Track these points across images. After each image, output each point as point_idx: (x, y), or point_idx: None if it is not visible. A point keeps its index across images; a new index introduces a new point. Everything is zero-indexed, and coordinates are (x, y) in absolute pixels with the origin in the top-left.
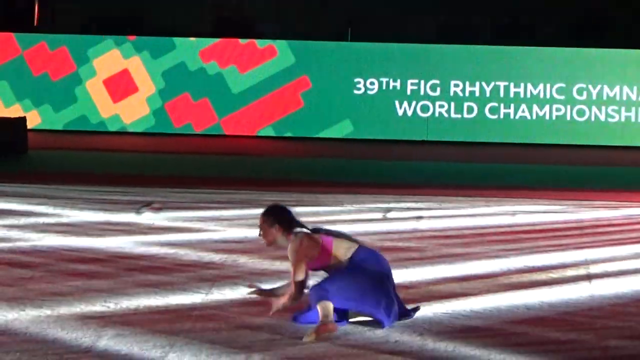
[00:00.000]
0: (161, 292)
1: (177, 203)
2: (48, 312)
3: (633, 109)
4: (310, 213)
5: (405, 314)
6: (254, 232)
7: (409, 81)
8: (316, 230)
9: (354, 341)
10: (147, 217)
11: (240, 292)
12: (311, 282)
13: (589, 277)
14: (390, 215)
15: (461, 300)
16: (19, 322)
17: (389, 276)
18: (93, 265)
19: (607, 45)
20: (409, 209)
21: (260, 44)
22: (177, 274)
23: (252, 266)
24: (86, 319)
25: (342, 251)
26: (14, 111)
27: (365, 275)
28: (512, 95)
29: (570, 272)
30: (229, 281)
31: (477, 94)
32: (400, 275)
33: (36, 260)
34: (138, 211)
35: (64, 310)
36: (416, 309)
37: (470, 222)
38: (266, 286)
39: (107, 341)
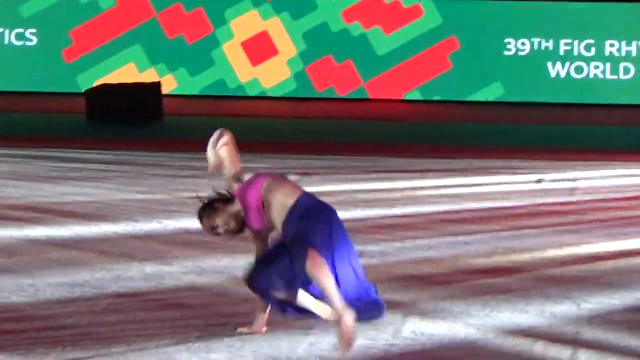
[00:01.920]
0: None
1: (320, 171)
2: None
3: None
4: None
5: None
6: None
7: (562, 41)
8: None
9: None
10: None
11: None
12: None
13: None
14: (543, 179)
15: None
16: None
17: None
18: None
19: None
20: (562, 173)
21: (405, 3)
22: None
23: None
24: None
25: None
26: (149, 76)
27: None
28: None
29: None
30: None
31: (634, 54)
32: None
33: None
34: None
35: None
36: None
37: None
38: None
39: None
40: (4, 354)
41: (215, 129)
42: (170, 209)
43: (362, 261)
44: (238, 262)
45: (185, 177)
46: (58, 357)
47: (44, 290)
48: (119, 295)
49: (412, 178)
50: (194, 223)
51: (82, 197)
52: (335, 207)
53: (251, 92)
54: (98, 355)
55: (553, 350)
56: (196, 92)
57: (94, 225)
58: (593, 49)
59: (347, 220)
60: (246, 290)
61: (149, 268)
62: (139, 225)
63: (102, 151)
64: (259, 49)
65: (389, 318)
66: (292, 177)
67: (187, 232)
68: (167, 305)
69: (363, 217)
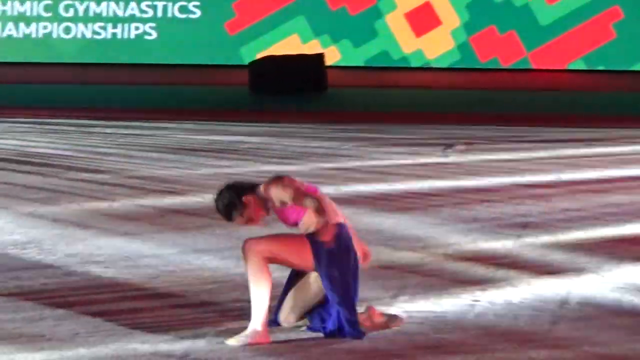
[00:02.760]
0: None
1: (483, 142)
2: None
3: None
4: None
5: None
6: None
7: None
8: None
9: None
10: (453, 158)
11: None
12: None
13: None
14: None
15: None
16: None
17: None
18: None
19: None
20: None
21: None
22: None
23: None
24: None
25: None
26: (312, 47)
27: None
28: None
29: None
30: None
31: None
32: None
33: None
34: (443, 151)
35: None
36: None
37: None
38: None
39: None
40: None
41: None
42: (334, 181)
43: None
44: None
45: (349, 148)
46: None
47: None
48: None
49: (576, 147)
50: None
51: (236, 168)
52: (501, 175)
53: (415, 63)
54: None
55: None
56: (360, 64)
57: None
58: None
59: (509, 186)
60: None
61: None
62: None
63: (265, 124)
64: (423, 19)
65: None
66: (458, 147)
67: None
68: None
69: (526, 183)
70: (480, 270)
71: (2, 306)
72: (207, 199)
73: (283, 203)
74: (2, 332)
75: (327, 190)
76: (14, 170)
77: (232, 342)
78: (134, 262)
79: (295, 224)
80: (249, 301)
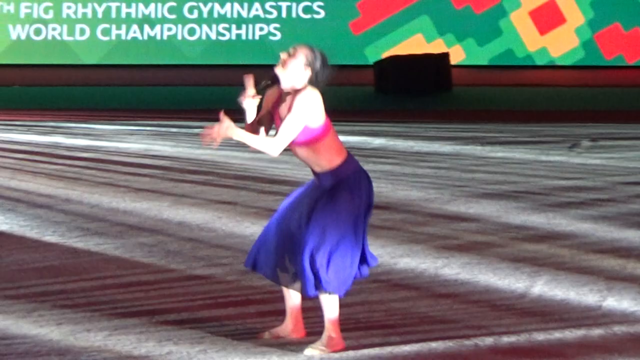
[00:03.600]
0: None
1: (610, 140)
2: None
3: None
4: None
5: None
6: None
7: None
8: None
9: None
10: (580, 155)
11: None
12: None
13: None
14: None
15: None
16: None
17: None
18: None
19: None
20: None
21: None
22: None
23: None
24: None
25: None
26: (437, 46)
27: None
28: None
29: None
30: None
31: None
32: None
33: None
34: (570, 148)
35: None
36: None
37: None
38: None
39: (541, 286)
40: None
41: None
42: (455, 184)
43: None
44: None
45: (473, 149)
46: None
47: None
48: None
49: None
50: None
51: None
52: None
53: (540, 62)
54: None
55: None
56: (484, 63)
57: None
58: None
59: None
60: None
61: None
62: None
63: (390, 124)
64: (547, 17)
65: None
66: (584, 144)
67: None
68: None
69: None
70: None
71: None
72: None
73: None
74: None
75: (457, 189)
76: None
77: (310, 352)
78: None
79: None
80: None
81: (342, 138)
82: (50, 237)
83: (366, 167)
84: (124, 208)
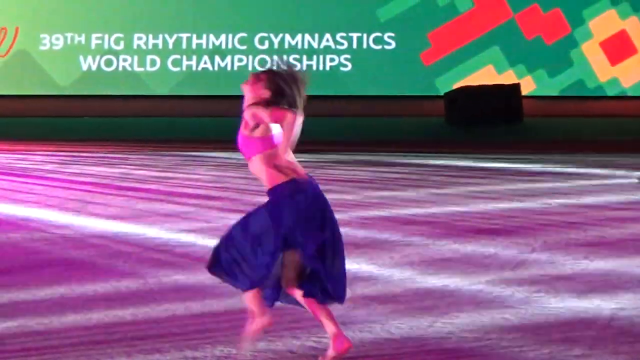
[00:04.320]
0: None
1: None
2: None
3: None
4: None
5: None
6: None
7: None
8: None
9: None
10: None
11: None
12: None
13: None
14: None
15: None
16: None
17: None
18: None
19: None
20: None
21: None
22: None
23: None
24: None
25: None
26: (507, 77)
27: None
28: None
29: None
30: None
31: None
32: None
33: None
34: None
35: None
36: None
37: None
38: None
39: None
40: None
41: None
42: (534, 216)
43: None
44: None
45: (543, 182)
46: None
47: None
48: None
49: None
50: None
51: (432, 207)
52: None
53: (610, 92)
54: None
55: None
56: (555, 93)
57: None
58: None
59: None
60: None
61: None
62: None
63: (462, 155)
64: (618, 48)
65: None
66: None
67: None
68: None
69: None
70: None
71: None
72: None
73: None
74: None
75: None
76: None
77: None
78: None
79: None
80: None
81: (408, 169)
82: (121, 267)
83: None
84: (194, 240)
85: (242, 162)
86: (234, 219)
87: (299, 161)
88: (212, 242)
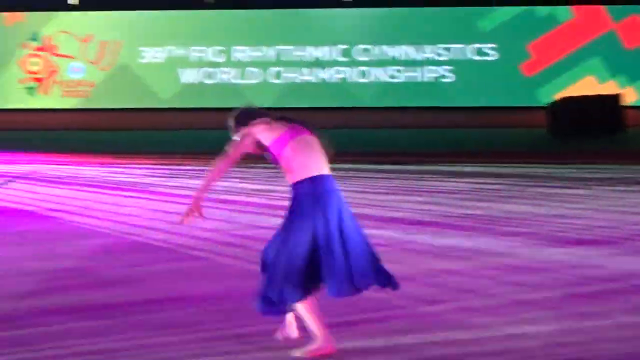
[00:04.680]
0: None
1: None
2: None
3: None
4: None
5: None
6: None
7: None
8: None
9: None
10: None
11: None
12: None
13: None
14: None
15: None
16: None
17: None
18: None
19: None
20: None
21: None
22: None
23: None
24: None
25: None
26: (609, 88)
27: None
28: None
29: None
30: None
31: None
32: None
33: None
34: None
35: None
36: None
37: None
38: None
39: None
40: None
41: None
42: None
43: None
44: None
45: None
46: None
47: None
48: None
49: None
50: None
51: (524, 215)
52: None
53: None
54: None
55: None
56: None
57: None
58: None
59: None
60: None
61: None
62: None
63: (564, 166)
64: None
65: None
66: None
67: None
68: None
69: None
70: None
71: None
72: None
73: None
74: None
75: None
76: None
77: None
78: None
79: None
80: None
81: (507, 180)
82: (226, 282)
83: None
84: None
85: (345, 174)
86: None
87: (404, 172)
88: None
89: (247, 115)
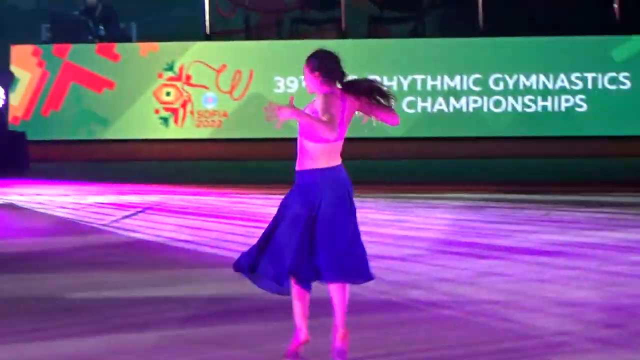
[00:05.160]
0: None
1: None
2: None
3: None
4: None
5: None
6: None
7: None
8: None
9: None
10: None
11: None
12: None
13: None
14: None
15: None
16: None
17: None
18: None
19: None
20: None
21: None
22: None
23: None
24: None
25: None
26: None
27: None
28: None
29: None
30: None
31: None
32: None
33: None
34: None
35: None
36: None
37: None
38: None
39: None
40: None
41: None
42: None
43: None
44: None
45: None
46: None
47: None
48: None
49: None
50: None
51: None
52: None
53: None
54: None
55: None
56: None
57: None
58: None
59: None
60: None
61: None
62: None
63: None
64: None
65: None
66: None
67: None
68: None
69: None
70: None
71: None
72: None
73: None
74: None
75: None
76: None
77: None
78: None
79: None
80: None
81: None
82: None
83: None
84: (430, 284)
85: (480, 204)
86: (468, 264)
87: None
88: (446, 287)
89: (340, 73)
